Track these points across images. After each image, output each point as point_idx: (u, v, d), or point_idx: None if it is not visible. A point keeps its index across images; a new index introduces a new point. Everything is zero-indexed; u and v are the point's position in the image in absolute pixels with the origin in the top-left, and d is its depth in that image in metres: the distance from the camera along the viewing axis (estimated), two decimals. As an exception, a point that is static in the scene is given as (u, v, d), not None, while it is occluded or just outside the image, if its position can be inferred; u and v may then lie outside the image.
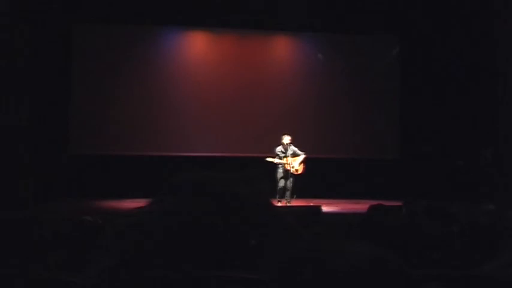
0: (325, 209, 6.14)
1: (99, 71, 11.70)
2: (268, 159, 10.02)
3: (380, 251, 1.21)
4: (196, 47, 12.43)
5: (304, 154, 10.25)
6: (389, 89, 12.49)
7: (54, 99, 11.03)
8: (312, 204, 8.37)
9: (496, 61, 10.91)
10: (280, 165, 10.11)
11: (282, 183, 10.15)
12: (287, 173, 10.11)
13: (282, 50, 12.86)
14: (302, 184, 10.17)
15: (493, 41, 10.95)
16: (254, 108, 12.10)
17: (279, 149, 10.12)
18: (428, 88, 11.89)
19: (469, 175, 10.75)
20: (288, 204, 9.94)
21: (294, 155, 10.20)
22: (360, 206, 6.97)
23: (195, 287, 2.29)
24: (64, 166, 10.96)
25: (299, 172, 10.23)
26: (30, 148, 10.22)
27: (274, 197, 10.06)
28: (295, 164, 10.14)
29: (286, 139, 10.13)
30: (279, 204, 9.98)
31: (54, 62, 11.01)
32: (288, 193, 10.15)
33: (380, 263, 1.17)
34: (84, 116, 11.53)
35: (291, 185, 10.17)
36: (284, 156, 10.11)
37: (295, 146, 10.26)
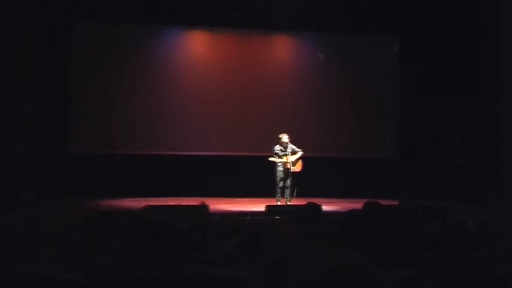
0: (325, 208, 6.14)
1: (99, 70, 11.68)
2: (271, 159, 10.03)
3: (354, 256, 1.25)
4: (196, 47, 12.42)
5: (302, 151, 10.23)
6: (389, 89, 12.49)
7: (54, 99, 11.02)
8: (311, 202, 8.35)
9: (497, 61, 10.91)
10: (280, 164, 10.10)
11: (281, 182, 10.15)
12: (287, 172, 10.11)
13: (282, 50, 12.86)
14: (302, 183, 10.17)
15: (493, 41, 10.95)
16: (254, 108, 12.10)
17: (278, 147, 10.11)
18: (428, 88, 11.88)
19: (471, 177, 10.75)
20: (288, 203, 9.94)
21: (293, 152, 10.19)
22: (359, 206, 6.96)
23: (184, 284, 2.31)
24: (64, 166, 10.94)
25: (298, 170, 10.20)
26: (30, 147, 10.22)
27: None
28: (291, 159, 10.11)
29: (285, 137, 10.12)
30: (279, 203, 9.98)
31: (54, 62, 10.99)
32: (287, 192, 10.15)
33: (351, 269, 1.21)
34: (84, 116, 11.50)
35: (290, 183, 10.17)
36: (284, 155, 10.09)
37: (295, 145, 10.25)
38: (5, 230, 2.97)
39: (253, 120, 11.97)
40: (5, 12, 9.82)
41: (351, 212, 3.49)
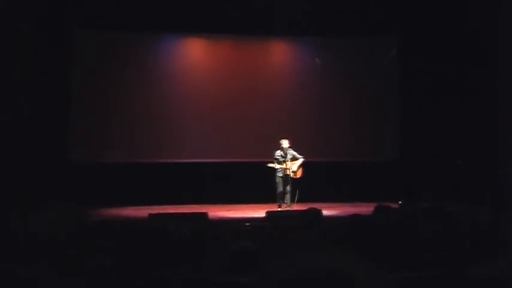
0: (325, 212, 6.11)
1: (98, 76, 11.63)
2: (270, 165, 10.00)
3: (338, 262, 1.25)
4: (195, 53, 12.39)
5: (303, 158, 10.21)
6: (389, 89, 12.46)
7: (54, 104, 10.96)
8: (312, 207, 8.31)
9: (497, 61, 10.88)
10: (279, 170, 10.08)
11: (281, 187, 10.14)
12: (286, 178, 10.09)
13: (281, 55, 12.82)
14: (302, 188, 10.14)
15: (493, 41, 10.92)
16: (253, 114, 12.06)
17: (278, 153, 10.10)
18: (428, 88, 11.86)
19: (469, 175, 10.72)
20: (288, 209, 9.91)
21: (293, 158, 10.17)
22: (360, 209, 6.96)
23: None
24: (63, 173, 10.88)
25: (298, 176, 10.19)
26: (29, 154, 10.17)
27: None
28: (293, 167, 10.11)
29: (285, 143, 10.11)
30: (279, 208, 9.95)
31: (54, 68, 10.94)
32: (287, 197, 10.12)
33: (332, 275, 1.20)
34: (83, 124, 11.41)
35: (290, 189, 10.14)
36: (283, 161, 10.08)
37: (295, 150, 10.23)
38: (5, 230, 2.96)
39: (252, 126, 11.92)
40: (5, 12, 9.79)
41: (357, 217, 3.48)
